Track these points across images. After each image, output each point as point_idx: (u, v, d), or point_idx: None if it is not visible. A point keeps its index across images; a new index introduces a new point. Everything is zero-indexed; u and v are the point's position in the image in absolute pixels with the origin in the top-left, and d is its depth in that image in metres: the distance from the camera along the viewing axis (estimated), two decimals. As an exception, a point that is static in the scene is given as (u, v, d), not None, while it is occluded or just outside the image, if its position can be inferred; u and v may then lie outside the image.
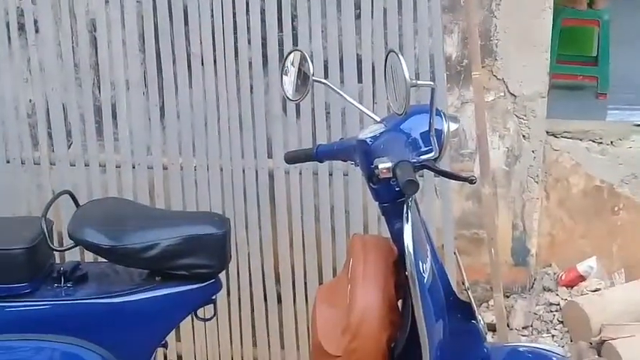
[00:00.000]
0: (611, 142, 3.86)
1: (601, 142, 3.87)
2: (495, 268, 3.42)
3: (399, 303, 2.43)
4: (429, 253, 2.36)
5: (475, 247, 3.77)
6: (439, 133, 2.32)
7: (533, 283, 3.91)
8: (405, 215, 2.26)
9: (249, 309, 3.53)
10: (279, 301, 3.52)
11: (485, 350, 2.43)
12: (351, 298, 2.33)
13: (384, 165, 2.18)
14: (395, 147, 2.26)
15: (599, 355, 3.45)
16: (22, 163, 3.51)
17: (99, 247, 2.35)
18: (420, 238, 2.32)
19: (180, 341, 3.57)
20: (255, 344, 3.57)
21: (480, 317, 2.41)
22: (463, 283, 2.48)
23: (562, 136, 3.87)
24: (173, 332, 3.42)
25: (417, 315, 2.24)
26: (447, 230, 3.44)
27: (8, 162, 3.51)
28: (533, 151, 3.79)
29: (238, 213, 3.45)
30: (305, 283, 3.49)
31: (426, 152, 2.29)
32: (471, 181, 2.30)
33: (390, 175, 2.18)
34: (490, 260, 3.41)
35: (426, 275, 2.27)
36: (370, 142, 2.31)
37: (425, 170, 2.32)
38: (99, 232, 2.36)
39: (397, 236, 2.29)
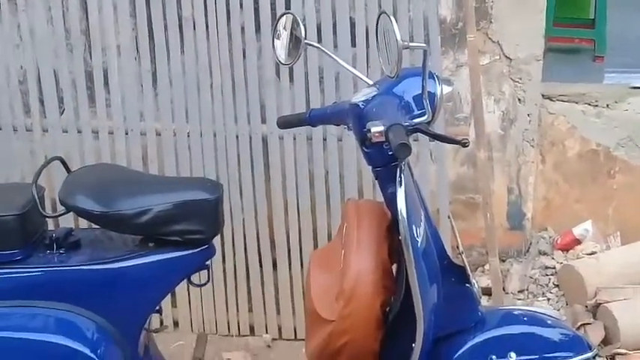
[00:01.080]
0: (607, 105, 3.85)
1: (597, 105, 3.86)
2: (490, 233, 3.43)
3: (393, 268, 2.43)
4: (422, 217, 2.35)
5: (470, 212, 3.76)
6: (432, 96, 2.31)
7: (529, 247, 3.91)
8: (398, 179, 2.25)
9: (244, 275, 3.54)
10: (275, 266, 3.53)
11: (479, 314, 2.44)
12: (345, 263, 2.33)
13: (376, 128, 2.16)
14: (387, 110, 2.25)
15: (594, 317, 3.45)
16: (14, 130, 3.49)
17: (90, 213, 2.34)
18: (413, 203, 2.32)
19: (176, 307, 3.57)
20: (251, 310, 3.58)
21: (474, 281, 2.41)
22: (458, 247, 2.47)
23: (558, 100, 3.86)
24: (169, 298, 3.49)
25: (410, 279, 2.25)
26: (441, 194, 3.44)
27: (0, 129, 3.48)
28: (528, 115, 3.78)
29: (232, 179, 3.45)
30: (300, 249, 3.49)
31: (419, 115, 2.28)
32: (464, 144, 2.30)
33: (383, 138, 2.17)
34: (485, 224, 3.43)
35: (419, 239, 2.27)
36: (362, 106, 2.30)
37: (419, 134, 2.30)
38: (90, 198, 2.34)
39: (390, 201, 2.28)
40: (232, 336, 3.56)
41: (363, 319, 2.30)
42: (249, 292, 3.56)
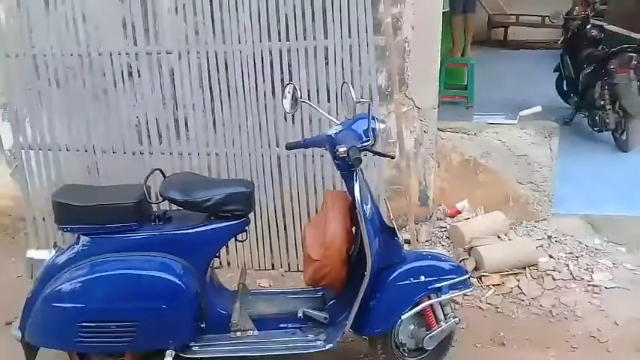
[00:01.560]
0: (475, 133, 3.84)
1: (469, 134, 3.84)
2: (408, 208, 3.43)
3: (354, 229, 2.44)
4: (369, 199, 2.37)
5: (398, 196, 3.72)
6: (374, 129, 2.32)
7: (431, 216, 3.89)
8: (355, 178, 2.26)
9: (267, 233, 3.50)
10: (285, 228, 3.48)
11: (402, 254, 2.46)
12: (325, 226, 2.35)
13: (342, 149, 2.18)
14: (348, 138, 2.26)
15: (469, 255, 3.45)
16: (132, 154, 3.45)
17: (177, 201, 2.34)
18: (364, 191, 2.34)
19: (228, 253, 3.53)
20: (272, 254, 3.54)
21: (399, 236, 2.44)
22: (390, 217, 2.48)
23: (447, 130, 3.84)
24: (224, 248, 3.48)
25: (363, 235, 2.28)
26: (380, 186, 3.43)
27: (125, 153, 3.45)
28: (429, 140, 3.76)
29: (260, 181, 3.41)
30: (300, 219, 3.45)
31: (367, 141, 2.29)
32: (392, 157, 2.34)
33: (346, 155, 2.18)
34: (406, 203, 3.44)
35: (367, 212, 2.29)
36: (334, 136, 2.31)
37: (367, 152, 2.30)
38: (177, 191, 2.34)
39: (351, 190, 2.30)
40: (261, 269, 3.53)
41: (336, 259, 2.33)
42: (271, 244, 3.52)
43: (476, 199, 3.88)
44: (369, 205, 2.32)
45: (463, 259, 3.40)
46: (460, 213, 3.84)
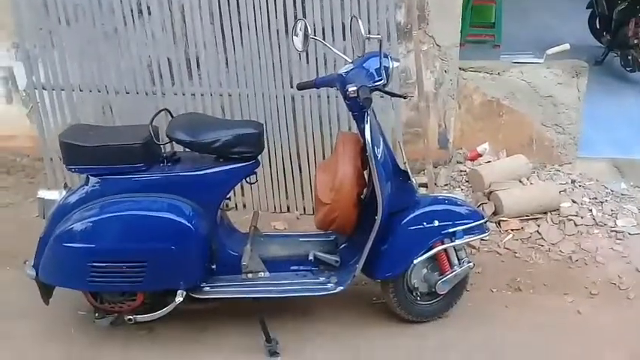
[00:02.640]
0: (498, 73, 3.67)
1: (492, 74, 3.67)
2: (427, 151, 3.32)
3: (365, 173, 2.38)
4: (381, 142, 2.30)
5: (417, 139, 3.62)
6: (387, 68, 2.20)
7: (451, 159, 3.80)
8: (365, 120, 2.17)
9: (282, 175, 3.45)
10: (300, 170, 3.43)
11: (416, 198, 2.41)
12: (335, 169, 2.28)
13: (352, 88, 2.09)
14: (359, 77, 2.16)
15: (488, 199, 3.38)
16: (145, 94, 3.38)
17: (184, 142, 2.28)
18: (375, 133, 2.27)
19: (244, 195, 3.50)
20: (287, 196, 3.51)
21: (413, 179, 2.37)
22: (404, 160, 2.40)
23: (468, 70, 3.67)
24: (239, 190, 3.45)
25: (374, 178, 2.23)
26: (397, 129, 3.33)
27: (137, 93, 3.38)
28: (450, 80, 3.60)
29: (274, 122, 3.32)
30: (315, 161, 3.38)
31: (379, 80, 2.18)
32: (405, 97, 2.23)
33: (355, 94, 2.08)
34: (424, 146, 3.33)
35: (379, 155, 2.23)
36: (344, 75, 2.21)
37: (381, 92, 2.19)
38: (184, 132, 2.28)
39: (362, 132, 2.22)
40: (276, 212, 3.51)
41: (346, 202, 2.29)
42: (286, 186, 3.47)
43: (498, 141, 3.75)
44: (380, 148, 2.24)
45: (482, 204, 3.34)
46: (481, 156, 3.73)
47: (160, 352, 2.42)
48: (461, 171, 3.70)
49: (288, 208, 3.51)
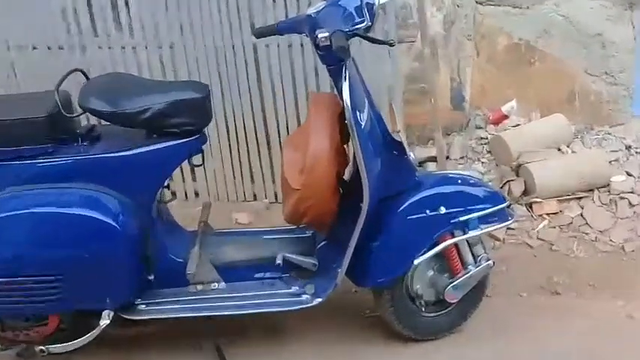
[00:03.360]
0: (527, 7, 3.62)
1: (520, 7, 3.62)
2: (434, 113, 3.29)
3: (347, 146, 2.36)
4: (366, 104, 2.26)
5: (422, 98, 3.57)
6: (371, 6, 2.15)
7: (468, 123, 3.78)
8: (343, 75, 2.14)
9: (246, 154, 3.44)
10: (269, 146, 3.42)
11: (416, 178, 2.39)
12: (306, 143, 2.25)
13: (322, 34, 2.05)
14: (333, 19, 2.11)
15: (517, 175, 3.38)
16: (59, 50, 3.31)
17: (101, 113, 2.23)
18: (358, 93, 2.22)
19: (195, 181, 3.51)
20: (253, 181, 3.50)
21: (410, 153, 2.34)
22: (396, 128, 2.37)
23: (487, 4, 3.63)
24: (188, 174, 3.45)
25: (356, 153, 2.19)
26: (396, 86, 3.29)
27: (49, 49, 3.31)
28: (465, 16, 3.56)
29: (232, 80, 3.29)
30: (287, 132, 3.36)
31: (360, 22, 2.13)
32: (391, 44, 2.19)
33: (328, 42, 2.04)
34: (431, 107, 3.29)
35: (363, 122, 2.19)
36: (314, 16, 2.17)
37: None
38: (102, 100, 2.22)
39: (339, 92, 2.18)
40: (239, 201, 3.51)
41: (322, 187, 2.26)
42: (250, 167, 3.46)
43: (529, 98, 3.74)
44: (365, 113, 2.20)
45: (508, 181, 3.33)
46: (507, 118, 3.72)
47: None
48: (481, 138, 3.69)
49: (255, 196, 3.50)
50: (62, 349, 2.31)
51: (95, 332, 2.26)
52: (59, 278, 2.17)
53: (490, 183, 3.27)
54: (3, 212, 2.15)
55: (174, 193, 2.94)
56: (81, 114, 2.28)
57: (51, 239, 2.16)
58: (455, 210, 2.34)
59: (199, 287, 2.39)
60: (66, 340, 2.31)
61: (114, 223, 2.19)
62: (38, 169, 2.21)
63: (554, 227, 3.14)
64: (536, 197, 3.26)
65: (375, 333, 2.57)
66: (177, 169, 3.34)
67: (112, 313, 2.24)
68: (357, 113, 2.15)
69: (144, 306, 2.32)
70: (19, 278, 2.16)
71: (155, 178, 2.32)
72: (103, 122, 2.36)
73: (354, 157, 2.27)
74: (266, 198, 3.49)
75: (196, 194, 3.53)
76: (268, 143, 3.41)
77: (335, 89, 2.23)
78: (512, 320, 2.62)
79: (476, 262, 2.42)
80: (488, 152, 3.61)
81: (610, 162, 3.41)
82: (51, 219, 2.17)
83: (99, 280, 2.22)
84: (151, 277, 2.35)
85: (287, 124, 3.35)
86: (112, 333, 2.30)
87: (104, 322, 2.23)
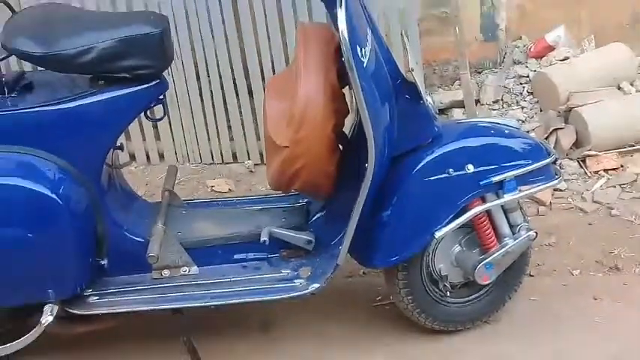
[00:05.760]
0: None
1: None
2: (460, 47, 3.30)
3: (346, 91, 2.35)
4: (369, 37, 2.23)
5: (444, 26, 3.58)
6: None
7: (504, 58, 3.79)
8: (338, 0, 2.09)
9: (222, 104, 3.46)
10: (251, 94, 3.44)
11: (435, 129, 2.37)
12: (295, 88, 2.24)
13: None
14: None
15: (566, 122, 3.39)
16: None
17: (31, 56, 2.21)
18: (359, 23, 2.19)
19: (160, 140, 3.54)
20: (232, 138, 3.54)
21: (427, 98, 2.33)
22: (409, 68, 2.35)
23: None
24: (152, 132, 3.49)
25: (357, 99, 2.17)
26: (410, 11, 3.28)
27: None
28: None
29: (200, 10, 3.29)
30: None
31: None
32: None
33: (317, -45, 2.00)
34: (455, 39, 3.30)
35: (365, 60, 2.16)
36: None
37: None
38: (30, 40, 2.20)
39: (334, 22, 2.14)
40: (216, 164, 3.54)
41: (315, 144, 2.25)
42: (228, 121, 3.49)
43: (580, 23, 3.76)
44: (368, 47, 2.18)
45: (555, 130, 3.34)
46: (553, 50, 3.73)
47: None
48: (520, 77, 3.70)
49: (235, 157, 3.54)
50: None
51: (36, 332, 2.26)
52: (-11, 266, 2.18)
53: (531, 133, 3.27)
54: None
55: (132, 156, 2.94)
56: (5, 57, 2.26)
57: (-26, 217, 2.17)
58: (486, 168, 2.33)
59: (165, 273, 2.41)
60: (2, 342, 2.31)
61: (53, 195, 2.18)
62: (-45, 130, 2.21)
63: (614, 187, 3.16)
64: (591, 150, 3.27)
65: (387, 326, 2.58)
66: (136, 125, 3.38)
67: (56, 308, 2.25)
68: (358, 48, 2.12)
69: (95, 298, 2.34)
70: None
71: (103, 137, 2.32)
72: (36, 67, 2.35)
73: (356, 106, 2.27)
74: (249, 159, 3.52)
75: (161, 156, 3.56)
76: (250, 90, 3.42)
77: (329, 18, 2.21)
78: (561, 307, 2.63)
79: (514, 234, 2.42)
80: (530, 94, 3.63)
81: (684, 103, 3.41)
82: (-27, 192, 2.17)
83: (38, 268, 2.22)
84: (104, 262, 2.36)
85: (272, 64, 3.36)
86: (57, 332, 2.31)
87: (46, 318, 2.23)
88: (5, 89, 2.27)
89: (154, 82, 2.29)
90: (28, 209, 2.18)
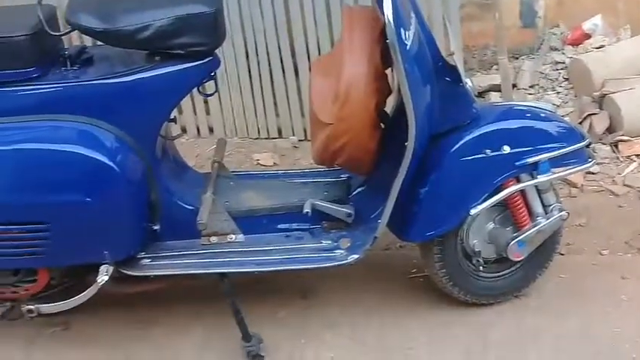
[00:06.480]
0: None
1: None
2: (499, 32, 3.26)
3: (390, 72, 2.34)
4: (413, 20, 2.22)
5: (484, 12, 3.55)
6: None
7: (541, 44, 3.74)
8: None
9: (269, 82, 3.46)
10: (297, 73, 3.43)
11: (474, 111, 2.37)
12: (340, 68, 2.24)
13: None
14: None
15: (600, 108, 3.36)
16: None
17: (93, 31, 2.22)
18: (403, 7, 2.18)
19: (209, 115, 3.57)
20: (277, 114, 3.53)
21: (467, 80, 2.32)
22: (450, 51, 2.34)
23: None
24: (202, 106, 3.52)
25: (399, 80, 2.17)
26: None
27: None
28: None
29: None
30: (319, 55, 3.35)
31: None
32: None
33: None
34: (495, 24, 3.26)
35: (408, 43, 2.15)
36: None
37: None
38: (92, 16, 2.21)
39: (380, 6, 2.13)
40: (262, 139, 3.55)
41: (358, 121, 2.25)
42: (274, 98, 3.49)
43: (617, 11, 3.71)
44: (411, 30, 2.16)
45: (589, 115, 3.31)
46: (589, 37, 3.68)
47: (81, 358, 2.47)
48: (556, 63, 3.67)
49: (280, 132, 3.54)
50: (53, 309, 2.37)
51: (92, 290, 2.30)
52: (49, 227, 2.21)
53: (566, 117, 3.24)
54: (-21, 149, 2.20)
55: (184, 129, 2.97)
56: (69, 32, 2.29)
57: (38, 181, 2.20)
58: (521, 150, 2.33)
59: (213, 239, 2.43)
60: (58, 299, 2.37)
61: (111, 163, 2.21)
62: (20, 99, 2.23)
63: (645, 171, 3.14)
64: (623, 135, 3.25)
65: (421, 297, 2.59)
66: (187, 100, 3.41)
67: (111, 269, 2.29)
68: (402, 31, 2.12)
69: (148, 260, 2.37)
70: (1, 227, 2.22)
71: (158, 110, 2.33)
72: (97, 42, 2.37)
73: (398, 86, 2.26)
74: (293, 135, 3.52)
75: (210, 130, 3.57)
76: (296, 69, 3.41)
77: (374, 1, 2.21)
78: (590, 284, 2.62)
79: (546, 214, 2.41)
80: (565, 80, 3.59)
81: None
82: (38, 157, 2.21)
83: (95, 230, 2.27)
84: (156, 227, 2.39)
85: (318, 45, 3.34)
86: (110, 291, 2.34)
87: (102, 278, 2.27)
88: (68, 62, 2.29)
89: (207, 59, 2.30)
90: (87, 175, 2.21)
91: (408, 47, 2.14)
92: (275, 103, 3.49)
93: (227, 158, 2.75)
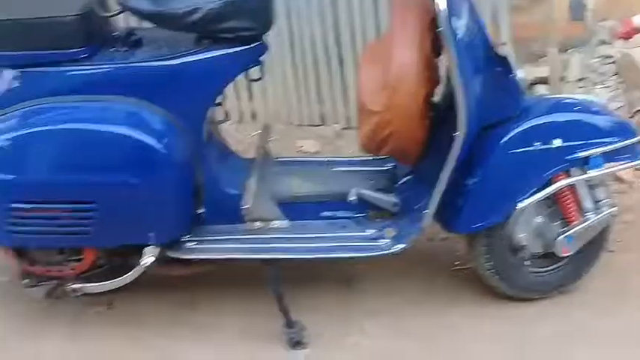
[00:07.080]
0: None
1: None
2: (549, 25, 3.25)
3: (440, 62, 2.33)
4: (466, 9, 2.19)
5: (533, 4, 3.47)
6: None
7: (590, 38, 3.64)
8: None
9: (313, 70, 3.45)
10: (341, 62, 3.42)
11: (524, 103, 2.35)
12: (390, 56, 2.22)
13: None
14: None
15: None
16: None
17: (142, 12, 2.24)
18: None
19: (252, 100, 3.57)
20: (321, 102, 3.52)
21: (518, 71, 2.28)
22: (501, 42, 2.31)
23: None
24: (246, 93, 3.52)
25: (451, 70, 2.15)
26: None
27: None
28: None
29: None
30: (364, 43, 3.33)
31: None
32: None
33: None
34: (544, 17, 3.25)
35: (460, 32, 2.13)
36: None
37: None
38: None
39: None
40: (305, 125, 3.55)
41: (407, 110, 2.24)
42: (318, 87, 3.48)
43: None
44: (463, 20, 2.13)
45: (639, 110, 3.26)
46: (639, 32, 3.54)
47: (125, 340, 2.48)
48: (606, 57, 3.61)
49: (323, 119, 3.53)
50: (97, 289, 2.40)
51: (136, 271, 2.32)
52: (96, 207, 2.23)
53: (617, 112, 3.16)
54: (32, 128, 2.21)
55: (226, 114, 2.96)
56: (118, 12, 2.30)
57: (86, 162, 2.22)
58: (572, 144, 2.29)
59: (257, 225, 2.42)
60: (103, 279, 2.39)
61: (158, 145, 2.22)
62: (70, 79, 2.24)
63: (699, 168, 3.07)
64: (675, 131, 3.17)
65: (465, 290, 2.57)
66: (230, 85, 3.38)
67: (156, 250, 2.30)
68: (454, 20, 2.09)
69: (193, 244, 2.38)
70: (48, 205, 2.23)
71: (206, 93, 2.34)
72: (145, 24, 2.37)
73: (448, 75, 2.25)
74: (337, 123, 3.51)
75: (253, 116, 3.58)
76: (340, 56, 3.40)
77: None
78: (637, 282, 2.56)
79: (596, 209, 2.38)
80: (615, 74, 3.53)
81: None
82: (87, 138, 2.22)
83: (141, 212, 2.27)
84: (201, 211, 2.40)
85: (364, 32, 3.32)
86: (155, 273, 2.35)
87: (147, 260, 2.28)
88: (119, 43, 2.30)
89: (255, 44, 2.29)
90: (134, 157, 2.22)
91: (460, 37, 2.11)
92: (318, 91, 3.49)
93: (270, 144, 2.75)
